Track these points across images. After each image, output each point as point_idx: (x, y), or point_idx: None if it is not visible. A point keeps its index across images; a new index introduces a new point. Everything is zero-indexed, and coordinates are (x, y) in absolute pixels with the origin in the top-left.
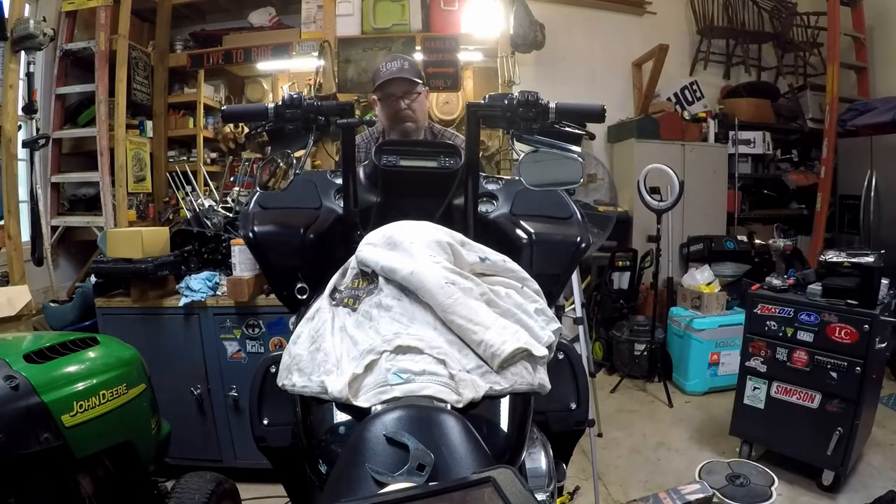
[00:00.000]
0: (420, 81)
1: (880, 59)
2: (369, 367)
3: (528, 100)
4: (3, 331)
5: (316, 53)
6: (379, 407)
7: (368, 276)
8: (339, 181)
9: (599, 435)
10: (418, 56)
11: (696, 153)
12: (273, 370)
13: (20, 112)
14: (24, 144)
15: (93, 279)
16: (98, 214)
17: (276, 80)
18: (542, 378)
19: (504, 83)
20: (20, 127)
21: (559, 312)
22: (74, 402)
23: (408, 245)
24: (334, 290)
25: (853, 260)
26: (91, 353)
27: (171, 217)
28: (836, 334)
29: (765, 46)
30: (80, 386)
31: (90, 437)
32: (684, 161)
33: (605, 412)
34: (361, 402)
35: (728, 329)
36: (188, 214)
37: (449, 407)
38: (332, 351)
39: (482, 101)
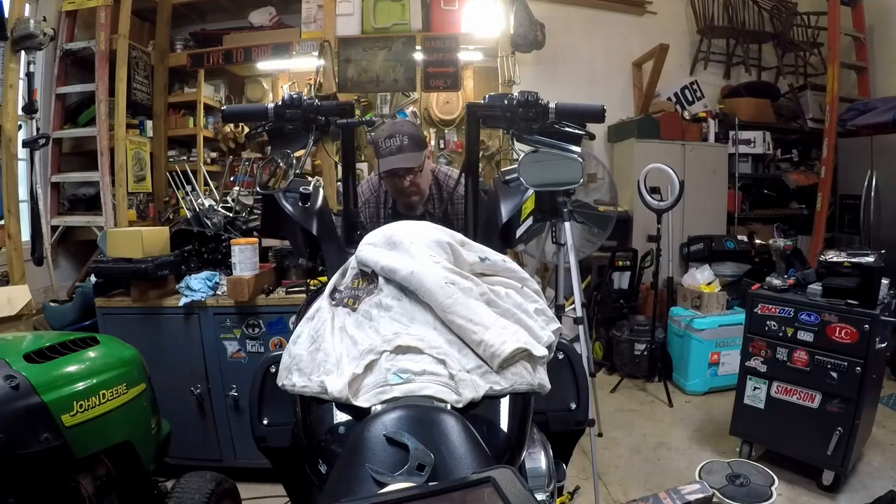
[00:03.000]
0: (422, 152)
1: (880, 58)
2: (369, 367)
3: (528, 100)
4: (3, 331)
5: (316, 53)
6: (379, 407)
7: (368, 276)
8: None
9: (599, 435)
10: (418, 56)
11: (696, 153)
12: (273, 370)
13: (20, 112)
14: (24, 144)
15: (93, 279)
16: (98, 214)
17: (276, 79)
18: (542, 378)
19: (504, 83)
20: (20, 127)
21: (559, 312)
22: (74, 402)
23: (408, 245)
24: (334, 289)
25: (853, 260)
26: (91, 353)
27: (171, 217)
28: (837, 334)
29: (765, 46)
30: (80, 386)
31: (90, 436)
32: (684, 161)
33: (605, 412)
34: (361, 402)
35: (728, 329)
36: (188, 214)
37: (449, 407)
38: (332, 351)
39: (482, 101)
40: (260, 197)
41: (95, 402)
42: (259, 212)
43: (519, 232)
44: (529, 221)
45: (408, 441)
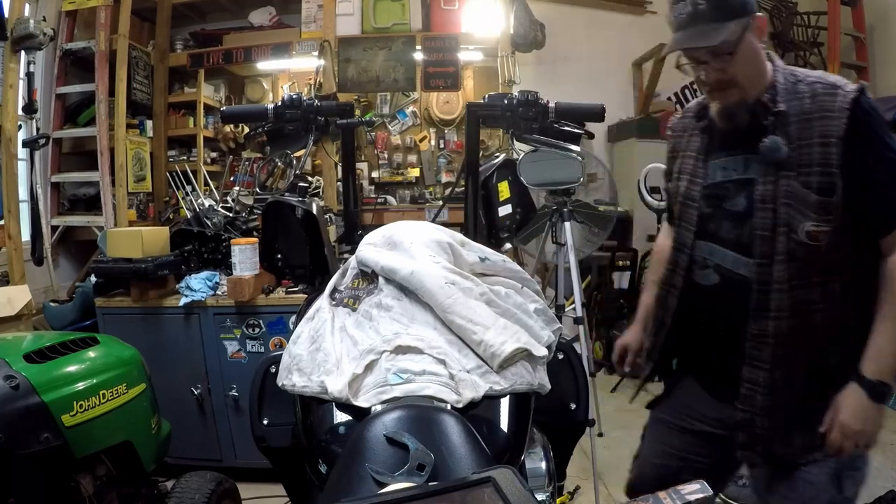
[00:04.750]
0: (731, 22)
1: (880, 59)
2: (369, 367)
3: (528, 99)
4: (3, 331)
5: (316, 53)
6: (379, 407)
7: (368, 276)
8: None
9: (600, 434)
10: (418, 55)
11: None
12: (273, 370)
13: (20, 112)
14: (24, 144)
15: (93, 279)
16: (98, 214)
17: (276, 79)
18: (542, 378)
19: (504, 83)
20: (20, 127)
21: (559, 312)
22: (74, 402)
23: (408, 245)
24: (334, 290)
25: None
26: (91, 353)
27: (171, 217)
28: None
29: None
30: (80, 386)
31: (90, 436)
32: None
33: (605, 412)
34: (361, 402)
35: None
36: (188, 214)
37: (449, 407)
38: (332, 351)
39: (482, 101)
40: (260, 197)
41: (95, 402)
42: (259, 212)
43: (501, 212)
44: (509, 207)
45: (408, 441)
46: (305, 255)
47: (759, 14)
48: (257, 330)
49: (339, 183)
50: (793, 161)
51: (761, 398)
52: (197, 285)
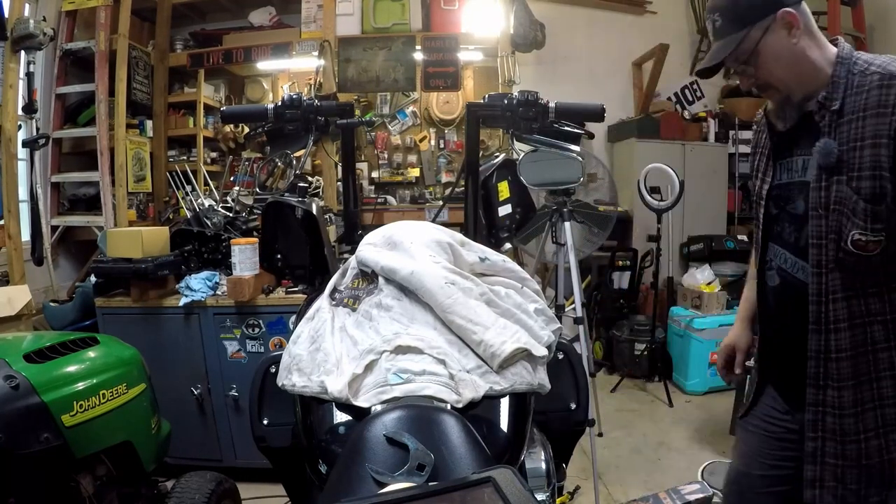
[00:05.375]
0: (746, 29)
1: None
2: (369, 367)
3: (528, 99)
4: (3, 331)
5: (316, 53)
6: (379, 407)
7: (368, 276)
8: None
9: (600, 434)
10: (418, 55)
11: (696, 153)
12: (273, 370)
13: (20, 112)
14: (24, 144)
15: (93, 279)
16: (98, 214)
17: (276, 79)
18: (542, 378)
19: (504, 83)
20: (20, 127)
21: (559, 312)
22: (74, 402)
23: (408, 245)
24: (334, 289)
25: None
26: (91, 353)
27: (171, 217)
28: None
29: None
30: (80, 386)
31: (90, 436)
32: (684, 161)
33: (605, 412)
34: (361, 402)
35: (728, 329)
36: (188, 214)
37: (449, 407)
38: (332, 351)
39: (482, 101)
40: (260, 197)
41: (95, 402)
42: (259, 212)
43: (501, 212)
44: (509, 207)
45: (408, 441)
46: (305, 255)
47: (787, 8)
48: (257, 330)
49: (339, 183)
50: (844, 164)
51: (831, 420)
52: (197, 285)
